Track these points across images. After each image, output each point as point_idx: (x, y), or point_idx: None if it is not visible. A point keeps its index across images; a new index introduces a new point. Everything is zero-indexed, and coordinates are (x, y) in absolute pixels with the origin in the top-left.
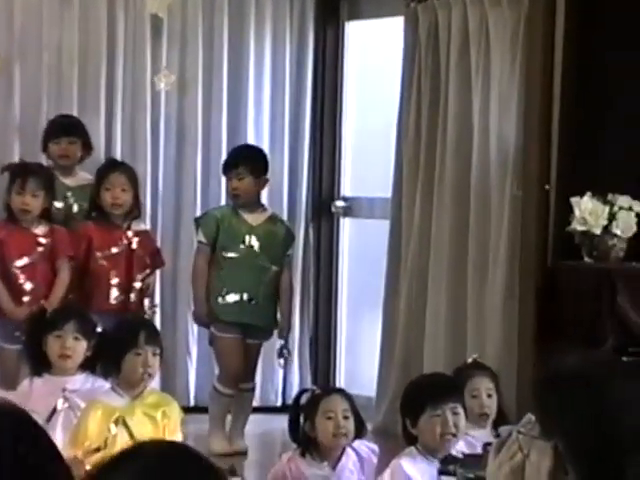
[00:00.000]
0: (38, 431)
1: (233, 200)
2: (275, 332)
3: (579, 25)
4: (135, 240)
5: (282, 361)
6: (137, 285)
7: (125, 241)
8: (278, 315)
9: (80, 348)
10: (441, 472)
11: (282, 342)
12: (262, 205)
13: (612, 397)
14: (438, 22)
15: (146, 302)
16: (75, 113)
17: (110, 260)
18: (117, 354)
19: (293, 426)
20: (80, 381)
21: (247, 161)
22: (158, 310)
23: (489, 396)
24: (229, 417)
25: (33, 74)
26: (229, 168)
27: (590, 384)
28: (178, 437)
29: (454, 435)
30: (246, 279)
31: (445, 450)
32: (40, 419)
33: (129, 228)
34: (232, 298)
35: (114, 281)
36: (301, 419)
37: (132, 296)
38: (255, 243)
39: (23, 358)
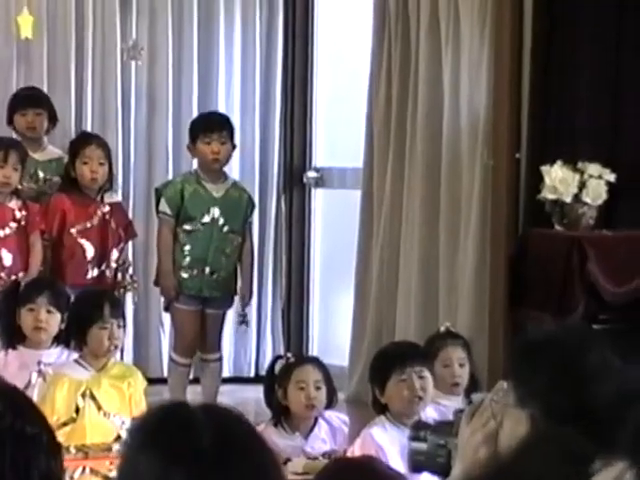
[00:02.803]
0: (29, 402)
1: (212, 164)
2: (236, 300)
3: None
4: (109, 212)
5: (243, 327)
6: (113, 258)
7: (99, 214)
8: (239, 283)
9: (54, 321)
10: (412, 438)
11: (242, 311)
12: (224, 173)
13: (587, 363)
14: None
15: (127, 277)
16: (45, 86)
17: (85, 233)
18: (82, 327)
19: (268, 392)
20: (55, 354)
21: (229, 126)
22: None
23: (461, 365)
24: (197, 388)
25: (2, 46)
26: (212, 131)
27: (565, 351)
28: (143, 407)
29: (421, 398)
30: (209, 252)
31: (414, 414)
32: None
33: (102, 200)
34: (195, 271)
35: (89, 255)
36: (276, 387)
37: (107, 270)
38: (219, 215)
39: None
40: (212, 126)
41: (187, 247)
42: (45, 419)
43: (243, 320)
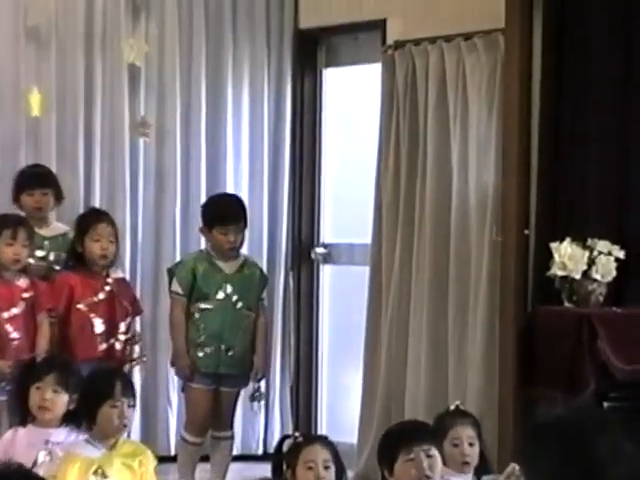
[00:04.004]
0: None
1: (228, 252)
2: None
3: (556, 70)
4: (115, 286)
5: (256, 405)
6: (121, 331)
7: (107, 288)
8: (254, 360)
9: (60, 401)
10: None
11: (256, 386)
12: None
13: (598, 448)
14: (415, 68)
15: (136, 349)
16: (53, 162)
17: (93, 308)
18: (93, 405)
19: (276, 473)
20: (63, 434)
21: (244, 214)
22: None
23: (471, 444)
24: (206, 466)
25: (11, 123)
26: (230, 222)
27: (575, 435)
28: None
29: (428, 477)
30: (224, 328)
31: None
32: None
33: (108, 276)
34: (210, 349)
35: (98, 329)
36: (284, 466)
37: (117, 344)
38: (232, 292)
39: (5, 409)
40: (229, 217)
41: (202, 325)
42: None
43: (256, 396)
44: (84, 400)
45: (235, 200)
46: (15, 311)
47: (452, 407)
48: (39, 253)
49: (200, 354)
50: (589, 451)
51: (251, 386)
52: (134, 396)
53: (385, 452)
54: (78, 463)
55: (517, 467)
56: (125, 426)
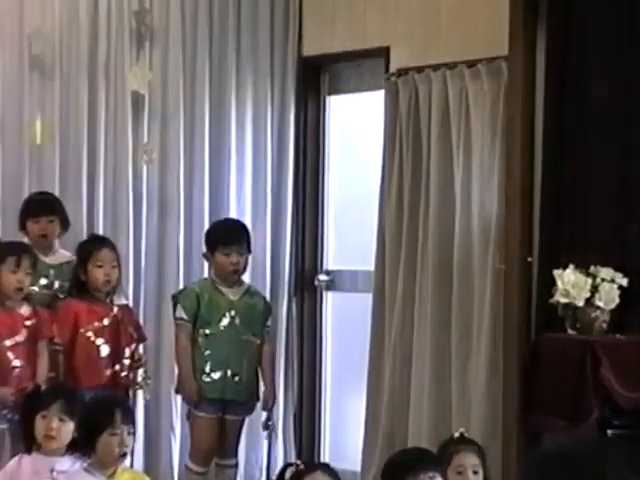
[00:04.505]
0: None
1: (231, 276)
2: (258, 406)
3: (559, 96)
4: (119, 312)
5: (267, 434)
6: (126, 357)
7: (111, 314)
8: (261, 388)
9: (66, 429)
10: None
11: (267, 414)
12: (239, 279)
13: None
14: (418, 95)
15: (140, 373)
16: (57, 189)
17: (99, 333)
18: (92, 433)
19: None
20: (68, 462)
21: (247, 236)
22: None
23: (475, 472)
24: None
25: (14, 150)
26: (232, 243)
27: (580, 468)
28: None
29: None
30: (230, 355)
31: None
32: None
33: (112, 302)
34: (216, 375)
35: (104, 354)
36: None
37: (122, 370)
38: (236, 318)
39: (8, 437)
40: (231, 238)
41: (207, 352)
42: None
43: (269, 425)
44: (84, 428)
45: (237, 223)
46: (17, 339)
47: (456, 434)
48: (43, 281)
49: (206, 380)
50: None
51: (258, 415)
52: (134, 423)
53: (390, 479)
54: None
55: None
56: (125, 454)
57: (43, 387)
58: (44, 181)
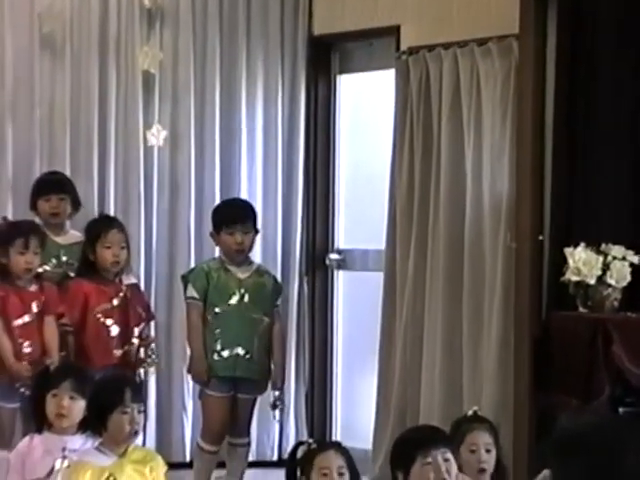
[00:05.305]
0: None
1: (236, 255)
2: (269, 385)
3: (570, 74)
4: (129, 292)
5: (277, 413)
6: (135, 337)
7: (120, 294)
8: (271, 367)
9: (77, 407)
10: None
11: (276, 393)
12: (248, 258)
13: (626, 459)
14: (429, 74)
15: (148, 352)
16: (67, 169)
17: (108, 314)
18: (103, 413)
19: (290, 479)
20: (80, 441)
21: (253, 215)
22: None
23: (488, 451)
24: (221, 472)
25: (25, 131)
26: (236, 222)
27: (605, 447)
28: None
29: None
30: (240, 333)
31: None
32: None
33: (121, 282)
34: (227, 353)
35: (114, 334)
36: (298, 473)
37: (131, 350)
38: (245, 297)
39: (19, 416)
40: (235, 217)
41: (217, 330)
42: None
43: (277, 404)
44: (94, 407)
45: (242, 202)
46: (27, 319)
47: (469, 413)
48: (54, 261)
49: (217, 358)
50: (618, 462)
51: (270, 394)
52: (144, 401)
53: (401, 456)
54: (89, 471)
55: (548, 474)
56: (136, 432)
57: (52, 366)
58: (55, 161)
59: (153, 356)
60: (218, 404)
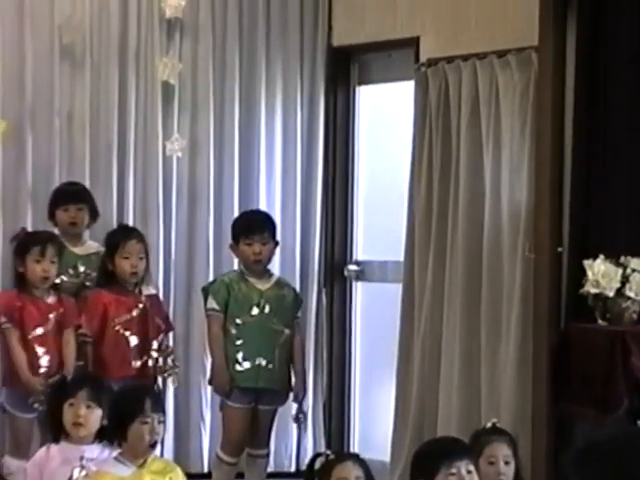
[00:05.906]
0: None
1: (254, 265)
2: (290, 397)
3: (589, 86)
4: (148, 303)
5: (298, 425)
6: (154, 348)
7: (140, 305)
8: (292, 379)
9: (93, 416)
10: None
11: (298, 406)
12: (268, 270)
13: None
14: (448, 85)
15: (169, 361)
16: (87, 179)
17: (127, 325)
18: (123, 422)
19: None
20: (97, 450)
21: (271, 226)
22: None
23: (507, 463)
24: None
25: (45, 140)
26: (253, 232)
27: (626, 461)
28: None
29: None
30: (261, 344)
31: None
32: None
33: (140, 292)
34: (249, 364)
35: (132, 346)
36: None
37: (150, 361)
38: (266, 308)
39: (36, 426)
40: (253, 228)
41: (239, 341)
42: None
43: (300, 417)
44: (114, 417)
45: (260, 213)
46: (45, 329)
47: (488, 425)
48: (71, 271)
49: (239, 369)
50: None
51: (289, 404)
52: (164, 412)
53: (424, 467)
54: None
55: None
56: (156, 443)
57: (69, 377)
58: (74, 171)
59: (173, 363)
60: (239, 415)
